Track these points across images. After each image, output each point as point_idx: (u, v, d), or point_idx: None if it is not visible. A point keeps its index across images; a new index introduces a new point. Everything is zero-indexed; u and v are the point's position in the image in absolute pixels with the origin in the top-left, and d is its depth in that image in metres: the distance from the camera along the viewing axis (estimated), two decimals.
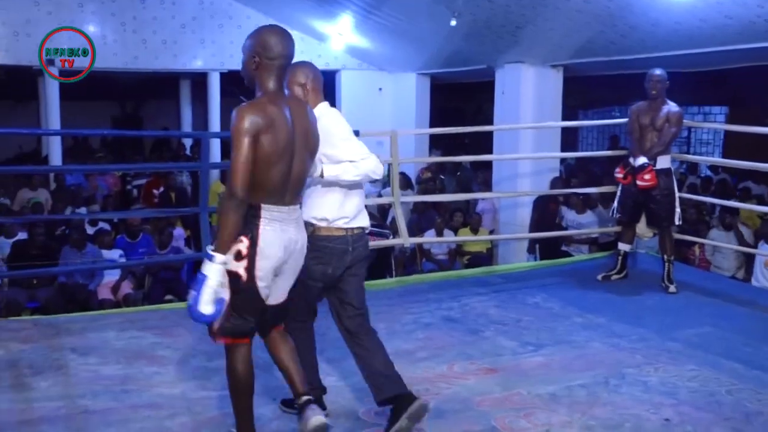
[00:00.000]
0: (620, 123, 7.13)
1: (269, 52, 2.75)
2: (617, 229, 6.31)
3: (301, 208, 2.94)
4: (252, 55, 2.77)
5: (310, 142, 2.87)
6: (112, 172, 11.52)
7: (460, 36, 9.28)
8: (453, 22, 8.51)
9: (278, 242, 2.74)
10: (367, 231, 3.30)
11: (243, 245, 2.67)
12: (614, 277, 5.89)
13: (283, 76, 2.83)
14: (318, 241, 3.12)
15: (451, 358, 4.12)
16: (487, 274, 6.38)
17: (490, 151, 9.58)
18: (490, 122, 9.97)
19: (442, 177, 11.32)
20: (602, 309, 5.08)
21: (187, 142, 14.30)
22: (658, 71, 5.65)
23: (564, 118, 9.86)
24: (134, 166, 13.34)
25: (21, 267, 6.87)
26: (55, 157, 11.06)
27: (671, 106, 5.61)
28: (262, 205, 2.72)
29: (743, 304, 5.32)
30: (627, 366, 4.00)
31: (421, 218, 9.13)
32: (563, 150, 10.20)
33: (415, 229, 8.32)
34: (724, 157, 13.37)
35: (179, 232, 8.29)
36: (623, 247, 5.96)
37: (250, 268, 2.69)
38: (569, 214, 8.44)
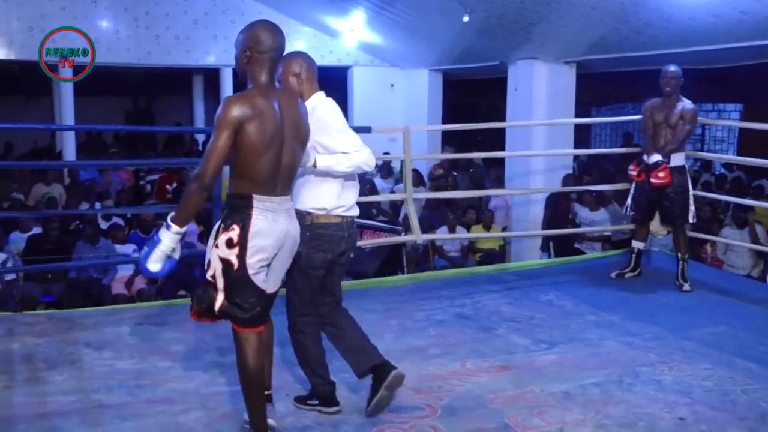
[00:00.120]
0: (634, 120, 7.09)
1: (260, 46, 2.83)
2: (631, 226, 6.28)
3: (292, 198, 3.00)
4: (244, 49, 2.85)
5: (301, 133, 2.92)
6: (126, 167, 11.58)
7: (472, 32, 9.26)
8: (465, 18, 8.50)
9: (270, 231, 2.80)
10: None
11: (234, 233, 2.76)
12: (628, 275, 5.87)
13: (274, 70, 2.90)
14: (316, 229, 3.19)
15: (464, 355, 4.11)
16: (499, 272, 6.36)
17: (503, 148, 9.56)
18: (503, 119, 9.96)
19: (455, 174, 11.30)
20: (616, 307, 5.06)
21: (200, 138, 14.37)
22: (672, 68, 5.62)
23: (577, 115, 9.83)
24: (147, 161, 13.42)
25: (36, 261, 6.91)
26: (69, 153, 11.15)
27: (686, 103, 5.58)
28: (254, 195, 2.78)
29: (758, 302, 5.27)
30: (641, 364, 3.98)
31: (433, 215, 9.12)
32: (576, 147, 10.17)
33: (426, 226, 8.31)
34: (738, 154, 13.29)
35: (192, 227, 8.30)
36: (637, 244, 5.93)
37: (241, 256, 2.76)
38: (582, 212, 8.42)
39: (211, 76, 13.47)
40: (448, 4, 8.64)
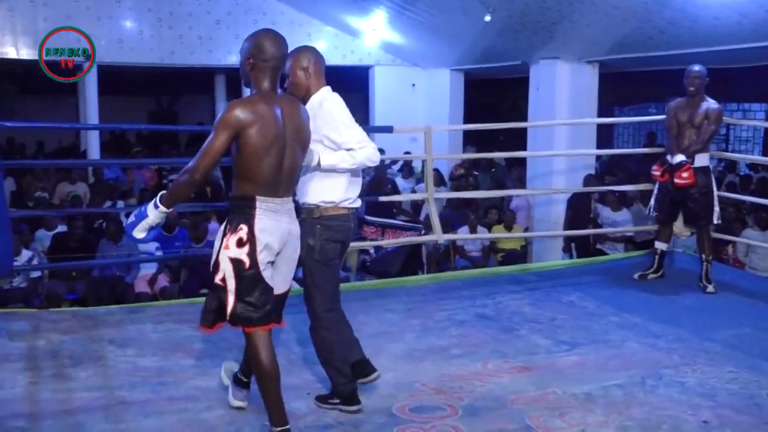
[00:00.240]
0: (658, 120, 7.03)
1: (263, 54, 2.91)
2: (654, 227, 6.23)
3: (299, 194, 3.10)
4: (248, 57, 2.94)
5: (302, 137, 3.00)
6: (149, 166, 11.70)
7: (494, 32, 9.23)
8: (487, 18, 8.48)
9: (274, 229, 2.88)
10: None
11: (243, 232, 2.85)
12: (651, 276, 5.82)
13: (276, 77, 2.98)
14: (326, 220, 3.27)
15: (485, 355, 4.10)
16: (521, 272, 6.33)
17: (525, 148, 9.52)
18: (525, 119, 9.91)
19: (476, 174, 11.28)
20: (638, 308, 5.02)
21: None
22: (697, 67, 5.57)
23: (599, 115, 9.76)
24: (170, 160, 13.49)
25: (61, 259, 7.00)
26: (93, 151, 11.28)
27: (710, 103, 5.52)
28: (257, 197, 2.87)
29: None
30: (664, 366, 3.95)
31: (454, 215, 9.11)
32: (598, 147, 10.10)
33: (447, 226, 8.30)
34: (764, 155, 13.12)
35: (214, 226, 8.36)
36: (660, 245, 5.88)
37: (252, 253, 2.84)
38: (605, 212, 8.36)
39: (233, 75, 13.50)
40: (470, 4, 8.62)
